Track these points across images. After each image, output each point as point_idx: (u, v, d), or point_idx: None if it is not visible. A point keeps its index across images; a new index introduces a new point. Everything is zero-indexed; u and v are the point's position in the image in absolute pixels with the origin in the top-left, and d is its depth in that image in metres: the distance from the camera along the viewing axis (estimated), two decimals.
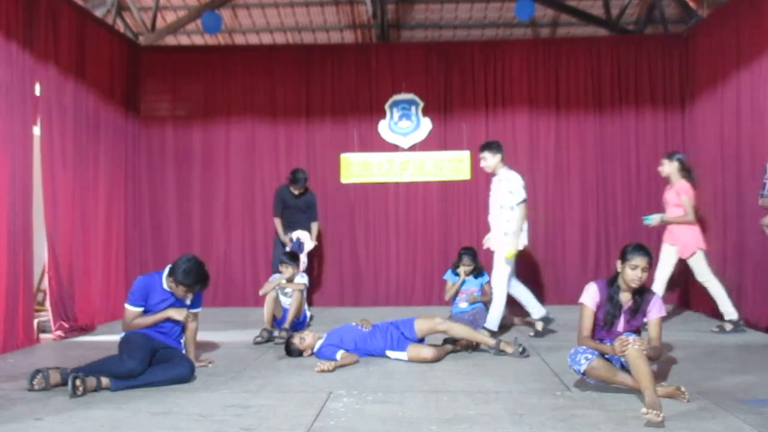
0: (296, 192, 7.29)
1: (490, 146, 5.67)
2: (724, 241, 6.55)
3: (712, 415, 3.28)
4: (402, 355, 4.72)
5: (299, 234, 7.22)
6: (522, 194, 5.48)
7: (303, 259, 6.95)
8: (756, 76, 6.04)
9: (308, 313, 6.47)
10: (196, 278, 4.18)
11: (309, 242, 7.24)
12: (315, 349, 4.83)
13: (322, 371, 4.34)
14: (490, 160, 5.61)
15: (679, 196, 5.95)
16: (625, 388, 3.63)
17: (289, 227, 7.29)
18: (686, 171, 6.06)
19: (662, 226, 6.13)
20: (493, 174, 5.70)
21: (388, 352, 4.78)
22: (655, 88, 7.93)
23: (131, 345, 4.06)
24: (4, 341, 5.12)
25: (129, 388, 3.86)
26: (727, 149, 6.56)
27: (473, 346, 4.99)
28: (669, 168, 6.08)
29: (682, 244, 5.96)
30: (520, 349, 4.76)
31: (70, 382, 3.69)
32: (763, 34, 5.93)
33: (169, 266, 4.27)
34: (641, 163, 7.93)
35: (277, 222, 7.36)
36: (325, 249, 8.07)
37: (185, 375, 4.07)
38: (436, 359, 4.68)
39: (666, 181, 6.28)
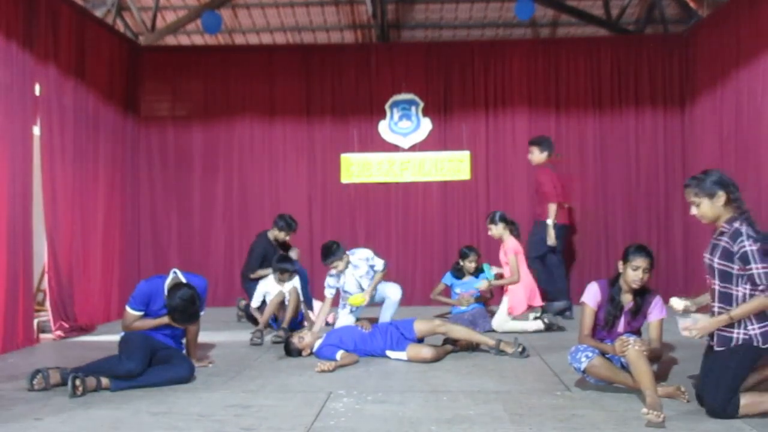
0: (286, 238, 6.68)
1: (334, 253, 5.52)
2: None
3: None
4: (402, 355, 4.72)
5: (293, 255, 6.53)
6: (381, 262, 5.72)
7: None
8: (755, 76, 6.04)
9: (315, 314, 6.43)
10: (182, 319, 4.15)
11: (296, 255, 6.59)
12: (314, 349, 4.84)
13: (322, 371, 4.34)
14: (341, 265, 5.60)
15: (507, 256, 5.95)
16: (625, 388, 3.63)
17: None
18: (511, 225, 6.08)
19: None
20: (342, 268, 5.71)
21: (388, 352, 4.77)
22: (655, 88, 7.93)
23: (131, 345, 4.05)
24: (4, 341, 5.12)
25: (129, 388, 3.86)
26: (726, 149, 6.56)
27: (473, 347, 4.99)
28: (496, 230, 6.07)
29: (512, 302, 5.91)
30: (520, 349, 4.76)
31: (69, 382, 3.69)
32: (762, 35, 5.93)
33: (171, 275, 4.26)
34: (641, 163, 7.93)
35: (260, 272, 6.56)
36: None
37: (185, 375, 4.07)
38: (436, 359, 4.68)
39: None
